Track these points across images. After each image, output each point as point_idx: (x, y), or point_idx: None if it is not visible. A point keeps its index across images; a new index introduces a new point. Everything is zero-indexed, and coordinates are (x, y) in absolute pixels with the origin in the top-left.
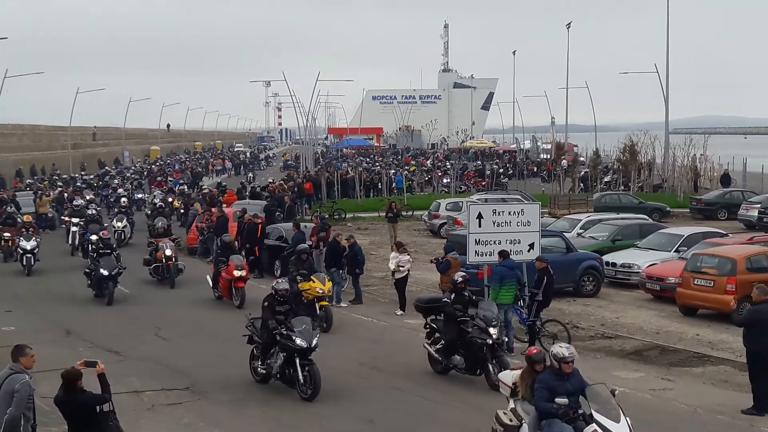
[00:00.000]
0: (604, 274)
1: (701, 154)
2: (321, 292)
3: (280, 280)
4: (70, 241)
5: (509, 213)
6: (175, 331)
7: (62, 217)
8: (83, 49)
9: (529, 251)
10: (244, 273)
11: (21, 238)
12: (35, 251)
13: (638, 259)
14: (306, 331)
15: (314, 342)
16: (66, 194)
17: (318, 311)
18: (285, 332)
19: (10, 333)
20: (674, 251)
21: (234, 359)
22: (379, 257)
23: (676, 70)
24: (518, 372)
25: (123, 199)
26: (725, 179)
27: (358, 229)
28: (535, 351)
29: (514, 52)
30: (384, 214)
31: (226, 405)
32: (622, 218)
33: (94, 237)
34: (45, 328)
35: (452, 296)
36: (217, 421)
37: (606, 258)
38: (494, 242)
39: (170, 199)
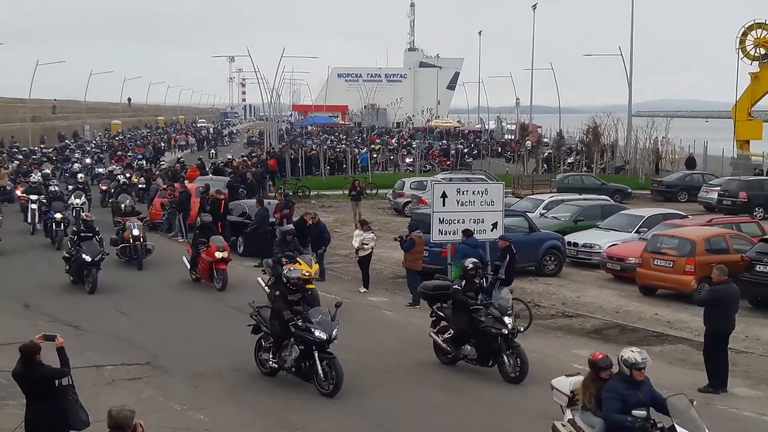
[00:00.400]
0: (565, 254)
1: (663, 137)
2: (308, 275)
3: (291, 268)
4: (29, 220)
5: (473, 192)
6: (136, 306)
7: (17, 193)
8: (43, 20)
9: (492, 230)
10: (225, 254)
11: None
12: None
13: (599, 239)
14: (324, 321)
15: (334, 333)
16: (24, 167)
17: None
18: (302, 324)
19: None
20: (635, 232)
21: (195, 335)
22: (343, 235)
23: (640, 53)
24: (577, 379)
25: (80, 175)
26: (690, 162)
27: (322, 206)
28: (600, 356)
29: (480, 33)
30: (347, 192)
31: (186, 380)
32: (585, 199)
33: (58, 215)
34: (3, 302)
35: (463, 283)
36: (176, 396)
37: (568, 238)
38: (458, 221)
39: (128, 175)
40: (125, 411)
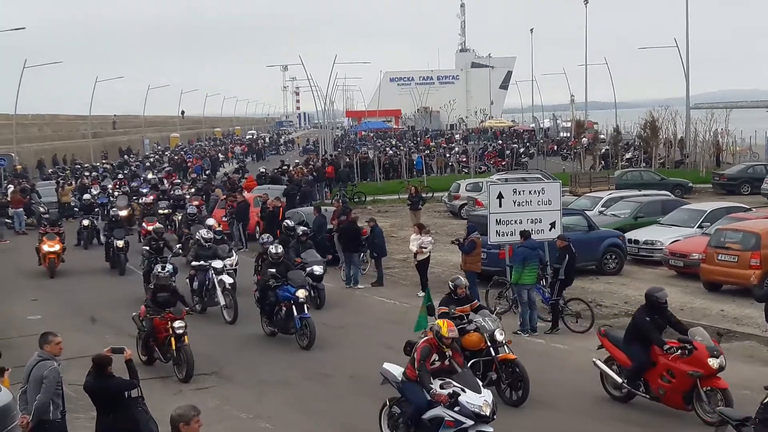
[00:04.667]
0: (626, 252)
1: (723, 129)
2: None
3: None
4: (142, 268)
5: (530, 192)
6: (201, 318)
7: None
8: (101, 37)
9: (550, 230)
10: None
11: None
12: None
13: (661, 235)
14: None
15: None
16: (84, 183)
17: None
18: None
19: (36, 322)
20: (697, 227)
21: (260, 344)
22: (400, 239)
23: (696, 43)
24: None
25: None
26: None
27: (379, 211)
28: None
29: (531, 30)
30: (406, 198)
31: (252, 389)
32: (644, 195)
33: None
34: (70, 316)
35: None
36: (243, 405)
37: (628, 235)
38: (515, 222)
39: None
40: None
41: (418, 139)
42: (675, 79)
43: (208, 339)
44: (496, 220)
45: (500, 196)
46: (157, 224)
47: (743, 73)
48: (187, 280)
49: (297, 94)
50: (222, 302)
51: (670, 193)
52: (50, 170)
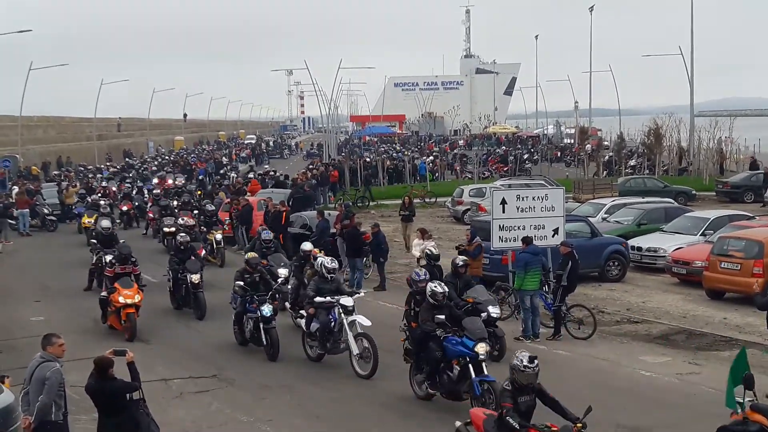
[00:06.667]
0: (629, 259)
1: (727, 137)
2: None
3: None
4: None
5: (533, 198)
6: (203, 321)
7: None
8: (106, 40)
9: (553, 236)
10: None
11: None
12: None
13: (664, 243)
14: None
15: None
16: (91, 185)
17: None
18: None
19: (39, 323)
20: (700, 235)
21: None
22: (402, 244)
23: (701, 51)
24: None
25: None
26: (753, 166)
27: (382, 216)
28: None
29: (536, 37)
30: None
31: (253, 392)
32: (648, 202)
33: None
34: (74, 318)
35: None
36: (243, 408)
37: (631, 242)
38: (518, 228)
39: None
40: None
41: (422, 144)
42: (679, 87)
43: (210, 342)
44: (499, 225)
45: (503, 202)
46: (252, 253)
47: (748, 81)
48: (300, 321)
49: (301, 98)
50: (355, 351)
51: (673, 201)
52: (55, 172)
